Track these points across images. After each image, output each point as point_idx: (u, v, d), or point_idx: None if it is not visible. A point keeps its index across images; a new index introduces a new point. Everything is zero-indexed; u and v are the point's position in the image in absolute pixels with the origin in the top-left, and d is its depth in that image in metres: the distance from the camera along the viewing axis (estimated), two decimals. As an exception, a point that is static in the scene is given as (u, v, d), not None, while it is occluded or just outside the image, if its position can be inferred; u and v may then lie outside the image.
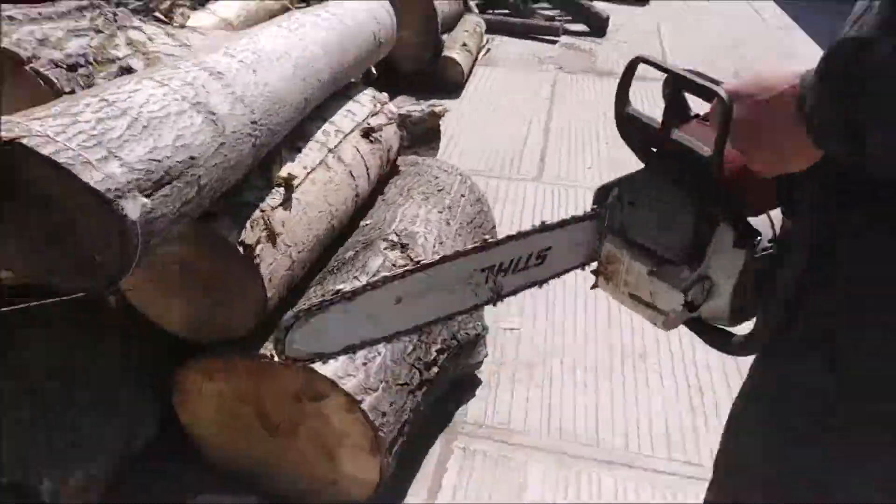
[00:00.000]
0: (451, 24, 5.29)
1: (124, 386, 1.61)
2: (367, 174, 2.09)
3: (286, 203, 1.63)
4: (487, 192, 3.57)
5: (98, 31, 1.51)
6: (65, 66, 1.30)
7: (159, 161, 1.06)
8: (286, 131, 1.68)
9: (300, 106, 1.72)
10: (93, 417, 1.52)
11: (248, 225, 1.49)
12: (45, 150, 0.89)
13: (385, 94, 2.48)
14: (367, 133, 2.15)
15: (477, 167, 3.81)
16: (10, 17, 1.33)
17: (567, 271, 0.97)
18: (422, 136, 3.33)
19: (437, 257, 0.90)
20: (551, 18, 6.55)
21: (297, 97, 1.69)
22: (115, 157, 0.99)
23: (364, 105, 2.27)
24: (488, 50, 5.75)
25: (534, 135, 4.23)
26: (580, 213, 0.91)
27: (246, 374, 1.57)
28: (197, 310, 1.52)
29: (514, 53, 5.82)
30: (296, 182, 1.68)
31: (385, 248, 1.87)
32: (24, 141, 0.88)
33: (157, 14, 1.88)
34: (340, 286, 1.69)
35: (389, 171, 2.41)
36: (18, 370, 1.46)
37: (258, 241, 1.48)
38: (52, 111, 0.99)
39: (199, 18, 3.36)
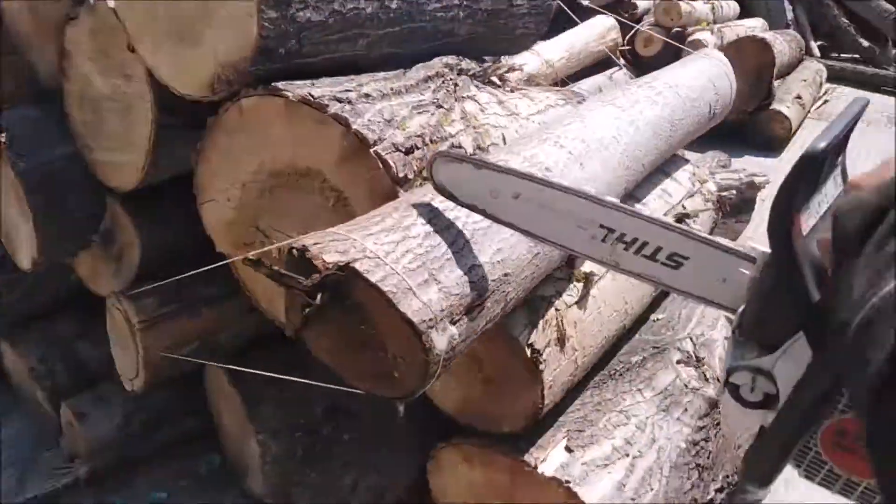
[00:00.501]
0: (786, 70, 4.71)
1: (386, 443, 1.66)
2: (672, 267, 1.88)
3: (582, 301, 1.51)
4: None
5: (438, 106, 1.54)
6: (403, 150, 1.34)
7: (475, 282, 1.01)
8: (598, 224, 1.56)
9: (619, 197, 1.58)
10: (354, 469, 1.58)
11: (540, 325, 1.40)
12: (375, 277, 0.88)
13: (705, 171, 2.23)
14: (681, 219, 1.94)
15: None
16: (367, 95, 1.40)
17: (701, 300, 0.83)
18: (733, 206, 2.98)
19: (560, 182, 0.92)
20: (916, 71, 5.50)
21: (619, 188, 1.56)
22: (436, 280, 0.96)
23: (681, 184, 2.06)
24: (825, 101, 5.01)
25: (870, 217, 3.56)
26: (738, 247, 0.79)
27: (504, 470, 1.50)
28: (471, 396, 1.49)
29: (859, 109, 4.99)
30: (595, 278, 1.55)
31: (678, 361, 1.66)
32: (357, 265, 0.88)
33: (493, 79, 1.89)
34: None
35: (693, 258, 2.16)
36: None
37: (547, 345, 1.39)
38: (387, 223, 0.99)
39: (523, 58, 3.42)
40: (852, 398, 0.53)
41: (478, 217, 1.11)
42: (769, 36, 4.29)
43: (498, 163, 1.00)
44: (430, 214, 1.05)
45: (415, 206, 1.07)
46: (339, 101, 1.35)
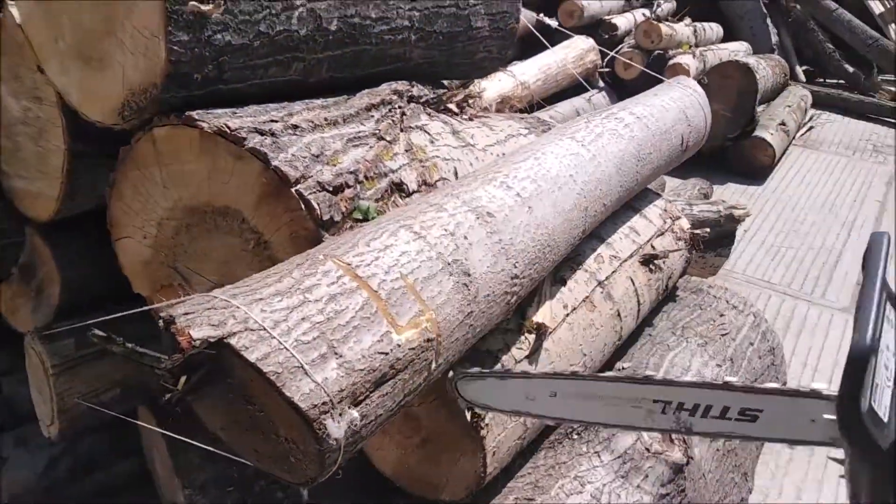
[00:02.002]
0: (770, 95, 4.62)
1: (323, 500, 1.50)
2: (638, 312, 1.75)
3: (533, 356, 1.37)
4: (781, 313, 2.97)
5: (380, 139, 1.40)
6: (330, 189, 1.20)
7: (386, 354, 0.87)
8: (551, 269, 1.42)
9: (574, 241, 1.45)
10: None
11: (483, 384, 1.26)
12: (254, 355, 0.74)
13: (677, 207, 2.11)
14: (648, 260, 1.81)
15: (772, 279, 3.21)
16: (295, 126, 1.26)
17: (797, 443, 0.80)
18: (712, 240, 2.86)
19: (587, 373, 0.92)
20: (901, 97, 5.43)
21: (574, 231, 1.42)
22: (336, 353, 0.82)
23: (651, 221, 1.93)
24: (810, 128, 4.93)
25: (852, 249, 3.44)
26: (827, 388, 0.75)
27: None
28: (408, 459, 1.35)
29: (844, 135, 4.91)
30: (550, 329, 1.42)
31: (640, 420, 1.52)
32: (234, 341, 0.73)
33: (449, 105, 1.76)
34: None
35: (665, 298, 2.03)
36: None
37: (490, 407, 1.24)
38: (284, 284, 0.85)
39: (498, 79, 3.31)
40: None
41: (402, 269, 0.98)
42: (752, 61, 4.20)
43: (518, 370, 1.03)
44: (342, 271, 0.91)
45: (326, 258, 0.93)
46: (261, 133, 1.21)
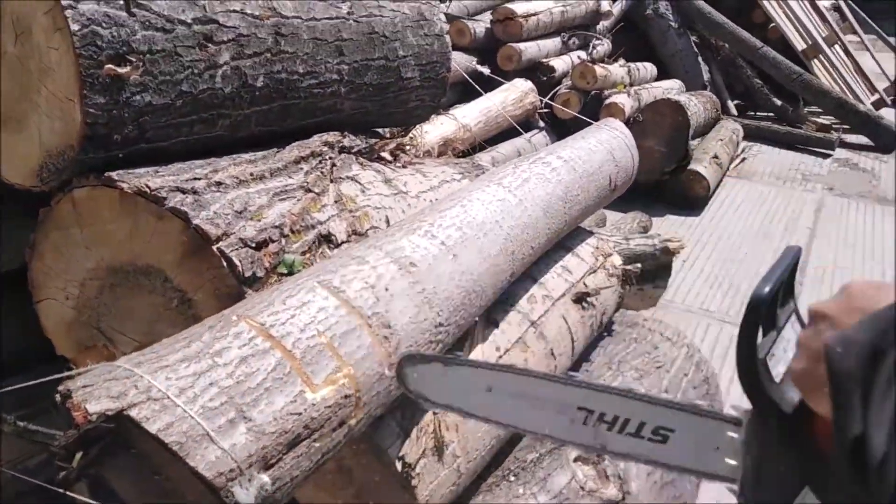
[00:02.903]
0: (703, 130, 4.82)
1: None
2: (572, 349, 1.79)
3: (465, 401, 1.38)
4: (719, 341, 3.07)
5: (308, 191, 1.42)
6: (253, 245, 1.21)
7: (299, 414, 0.88)
8: (480, 314, 1.45)
9: (503, 285, 1.48)
10: None
11: (413, 432, 1.26)
12: (155, 426, 0.74)
13: (609, 244, 2.17)
14: (581, 298, 1.85)
15: (710, 308, 3.30)
16: (219, 183, 1.27)
17: (701, 475, 0.80)
18: (650, 272, 2.94)
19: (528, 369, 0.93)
20: (826, 128, 5.73)
21: (502, 275, 1.45)
22: (245, 418, 0.82)
23: (583, 259, 1.98)
24: (743, 160, 5.15)
25: (786, 276, 3.58)
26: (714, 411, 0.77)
27: None
28: (344, 512, 1.33)
29: (774, 166, 5.14)
30: (482, 373, 1.43)
31: (576, 459, 1.54)
32: (134, 413, 0.73)
33: (382, 154, 1.79)
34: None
35: (601, 333, 2.08)
36: None
37: (421, 456, 1.25)
38: (192, 349, 0.85)
39: (440, 122, 3.38)
40: None
41: (319, 327, 0.99)
42: (684, 98, 4.39)
43: (466, 357, 1.04)
44: (254, 331, 0.92)
45: (239, 319, 0.93)
46: (183, 191, 1.22)
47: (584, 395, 0.84)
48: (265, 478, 0.80)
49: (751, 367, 0.64)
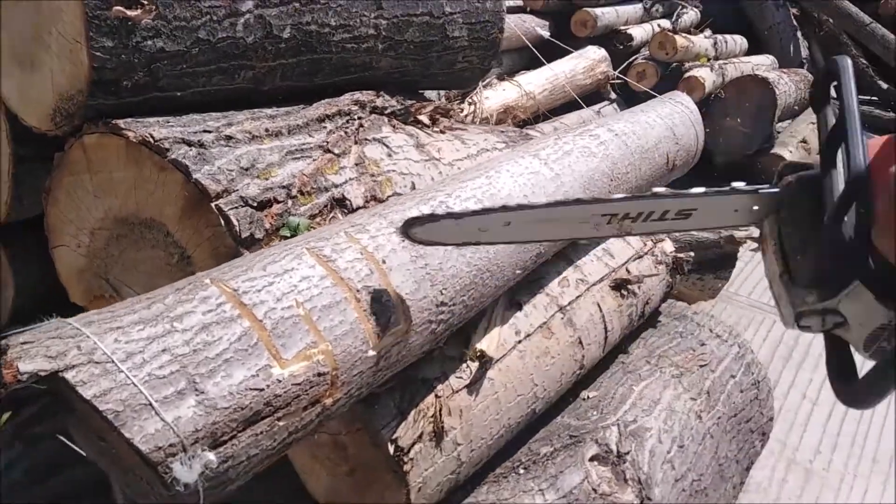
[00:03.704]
0: (795, 111, 4.45)
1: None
2: (605, 340, 1.66)
3: (473, 386, 1.30)
4: (783, 341, 2.83)
5: (326, 151, 1.34)
6: (254, 205, 1.14)
7: (261, 390, 0.81)
8: (499, 294, 1.35)
9: (527, 265, 1.38)
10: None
11: (411, 415, 1.19)
12: (90, 391, 0.69)
13: (663, 229, 2.01)
14: (620, 285, 1.72)
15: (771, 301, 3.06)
16: (228, 137, 1.22)
17: (725, 228, 0.91)
18: (712, 262, 2.74)
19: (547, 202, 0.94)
20: (937, 117, 5.18)
21: (525, 255, 1.35)
22: (197, 390, 0.76)
23: (629, 243, 1.84)
24: (836, 146, 4.72)
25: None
26: (745, 185, 0.84)
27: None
28: (338, 488, 1.28)
29: (872, 155, 4.69)
30: (496, 356, 1.34)
31: (592, 458, 1.43)
32: (70, 375, 0.68)
33: (420, 117, 1.69)
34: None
35: (644, 324, 1.94)
36: None
37: (416, 441, 1.18)
38: (153, 310, 0.80)
39: (501, 88, 3.24)
40: None
41: (299, 297, 0.92)
42: (773, 75, 4.04)
43: (475, 209, 0.99)
44: (224, 297, 0.85)
45: (212, 282, 0.87)
46: (188, 143, 1.17)
47: (604, 207, 0.87)
48: (211, 455, 0.74)
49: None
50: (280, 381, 0.84)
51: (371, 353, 0.97)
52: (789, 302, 0.77)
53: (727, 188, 0.84)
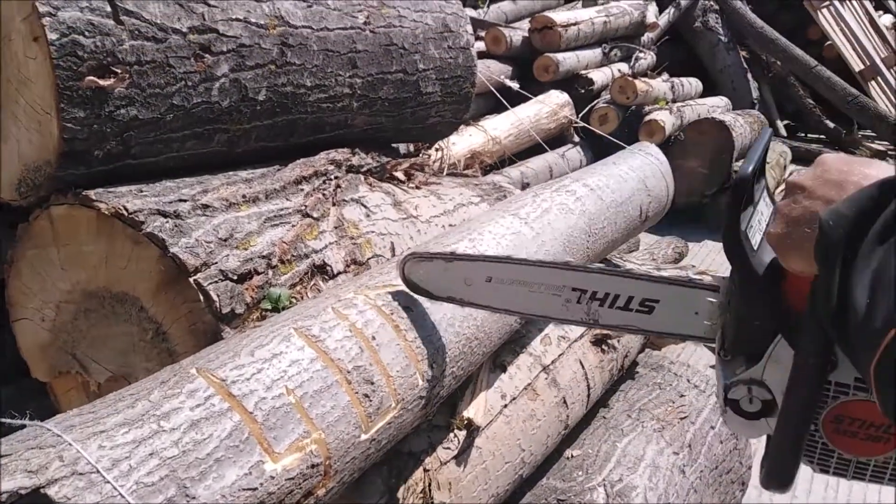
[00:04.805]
0: (748, 152, 4.60)
1: None
2: (587, 397, 1.65)
3: (461, 456, 1.26)
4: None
5: (305, 215, 1.31)
6: (234, 278, 1.10)
7: (254, 490, 0.77)
8: (484, 360, 1.33)
9: (512, 328, 1.36)
10: None
11: (401, 492, 1.15)
12: (76, 508, 0.63)
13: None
14: (601, 341, 1.71)
15: (744, 343, 3.10)
16: (205, 206, 1.18)
17: (682, 337, 0.91)
18: (680, 305, 2.77)
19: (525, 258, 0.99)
20: (881, 155, 5.43)
21: (509, 320, 1.33)
22: (187, 496, 0.71)
23: (607, 296, 1.84)
24: (789, 184, 4.89)
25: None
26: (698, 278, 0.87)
27: None
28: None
29: (823, 192, 4.87)
30: (483, 424, 1.31)
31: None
32: (53, 491, 0.63)
33: (395, 174, 1.68)
34: None
35: (622, 376, 1.93)
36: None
37: (407, 520, 1.13)
38: (137, 409, 0.75)
39: (468, 134, 3.26)
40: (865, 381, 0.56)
41: (289, 384, 0.88)
42: (729, 117, 4.18)
43: (468, 252, 1.08)
44: (213, 388, 0.81)
45: (197, 373, 0.83)
46: (164, 215, 1.13)
47: (575, 276, 0.91)
48: (200, 572, 0.69)
49: (735, 238, 0.70)
50: (273, 478, 0.79)
51: (364, 437, 0.93)
52: (721, 376, 0.79)
53: (692, 280, 0.87)
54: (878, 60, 5.73)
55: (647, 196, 1.96)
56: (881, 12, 6.50)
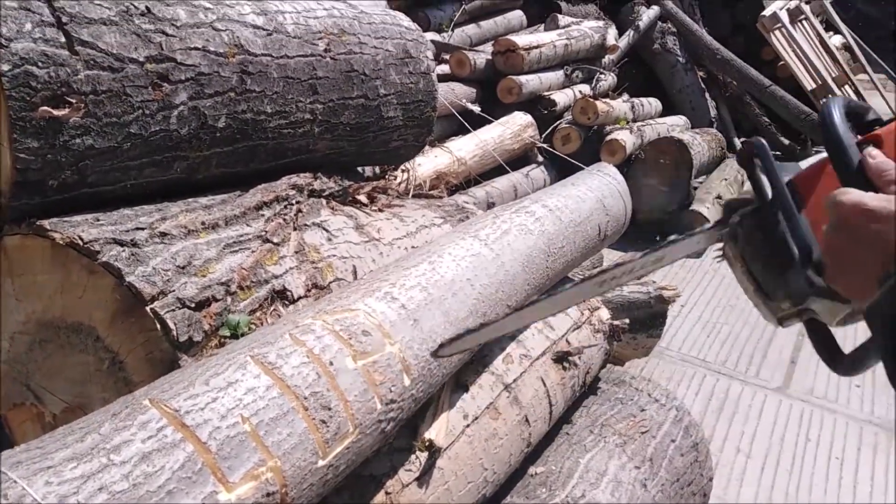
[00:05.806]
0: (708, 168, 4.72)
1: None
2: (550, 415, 1.67)
3: (423, 478, 1.27)
4: (714, 395, 2.93)
5: (265, 241, 1.32)
6: (192, 305, 1.11)
7: (209, 520, 0.77)
8: (444, 382, 1.34)
9: (474, 348, 1.38)
10: None
11: (361, 517, 1.15)
12: (21, 549, 0.63)
13: (597, 299, 2.06)
14: (562, 358, 1.74)
15: (706, 357, 3.18)
16: (163, 234, 1.18)
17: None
18: (643, 321, 2.82)
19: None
20: (834, 170, 5.60)
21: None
22: (140, 530, 0.71)
23: (567, 314, 1.87)
24: (748, 200, 5.02)
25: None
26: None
27: None
28: None
29: (780, 207, 5.01)
30: (444, 445, 1.32)
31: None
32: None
33: (358, 197, 1.70)
34: None
35: (585, 392, 1.96)
36: None
37: (368, 545, 1.13)
38: (86, 443, 0.75)
39: (433, 155, 3.29)
40: None
41: (245, 412, 0.88)
42: (687, 136, 4.29)
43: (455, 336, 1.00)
44: (165, 419, 0.81)
45: (150, 403, 0.83)
46: (120, 244, 1.12)
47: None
48: None
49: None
50: (226, 509, 0.79)
51: (321, 463, 0.94)
52: (768, 311, 0.85)
53: (686, 234, 0.92)
54: (829, 79, 5.94)
55: (605, 215, 2.00)
56: (831, 33, 6.75)
